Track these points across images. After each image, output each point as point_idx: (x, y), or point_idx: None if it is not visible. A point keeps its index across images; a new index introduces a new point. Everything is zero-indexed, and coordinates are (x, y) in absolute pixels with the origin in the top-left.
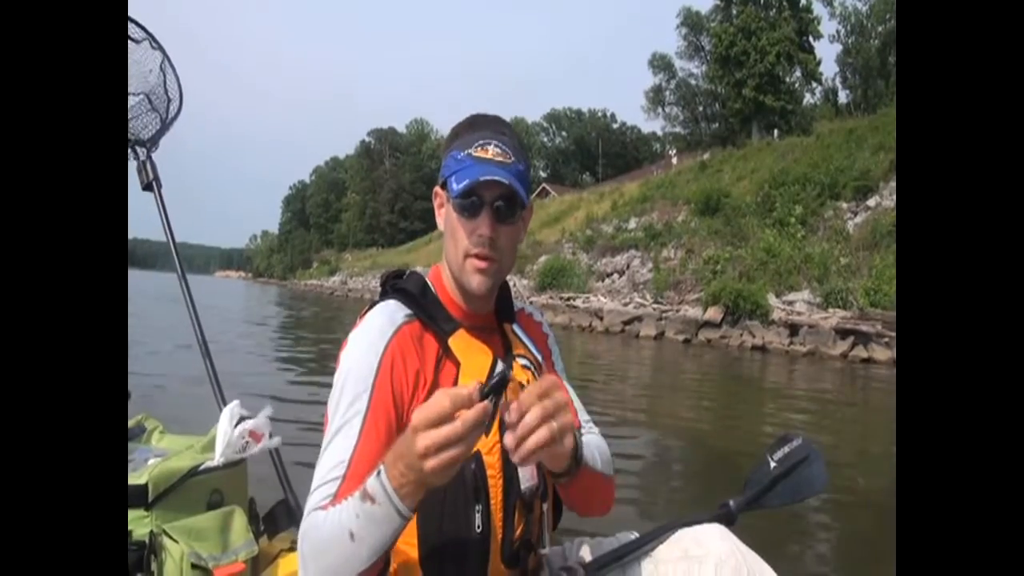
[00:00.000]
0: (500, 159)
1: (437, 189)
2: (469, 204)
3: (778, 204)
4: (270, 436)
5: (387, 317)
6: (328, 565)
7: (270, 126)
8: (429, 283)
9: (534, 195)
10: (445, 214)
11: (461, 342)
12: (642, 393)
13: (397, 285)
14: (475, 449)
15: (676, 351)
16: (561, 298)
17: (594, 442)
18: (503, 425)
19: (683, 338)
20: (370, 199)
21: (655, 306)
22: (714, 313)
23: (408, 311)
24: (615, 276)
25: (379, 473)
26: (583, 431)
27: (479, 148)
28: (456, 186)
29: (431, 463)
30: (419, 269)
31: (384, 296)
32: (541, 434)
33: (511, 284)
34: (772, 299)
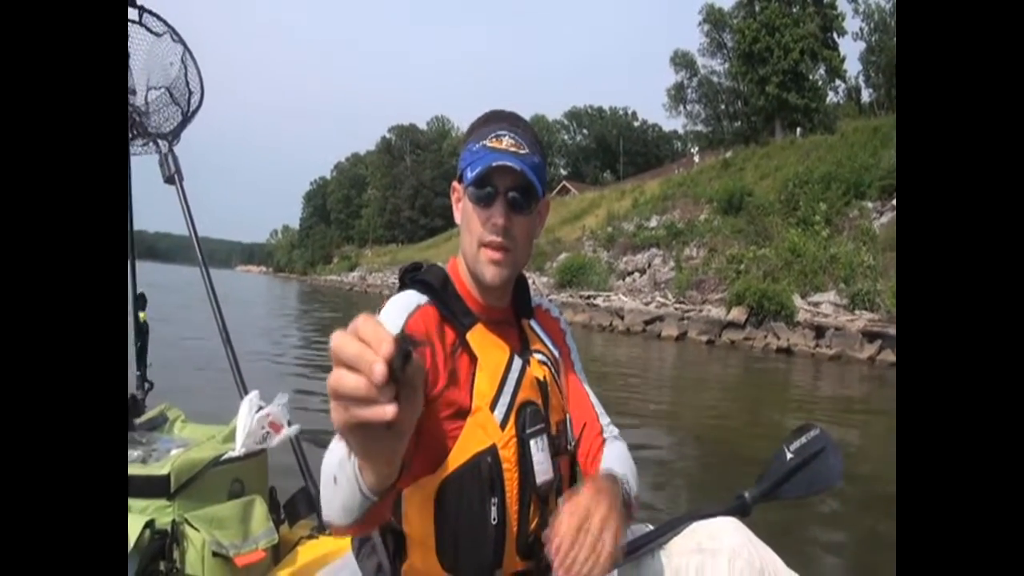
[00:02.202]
0: (514, 149)
1: (455, 184)
2: (484, 194)
3: (802, 203)
4: (288, 424)
5: (408, 298)
6: (326, 497)
7: (292, 122)
8: (449, 276)
9: (554, 192)
10: (462, 207)
11: (479, 337)
12: (663, 396)
13: (416, 277)
14: (491, 443)
15: (699, 352)
16: (581, 296)
17: (622, 464)
18: (519, 419)
19: (706, 339)
20: (390, 195)
21: (677, 306)
22: (738, 314)
23: (429, 298)
24: (636, 275)
25: None
26: (604, 434)
27: (493, 139)
28: (470, 175)
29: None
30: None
31: (403, 288)
32: (591, 562)
33: (530, 281)
34: (797, 300)
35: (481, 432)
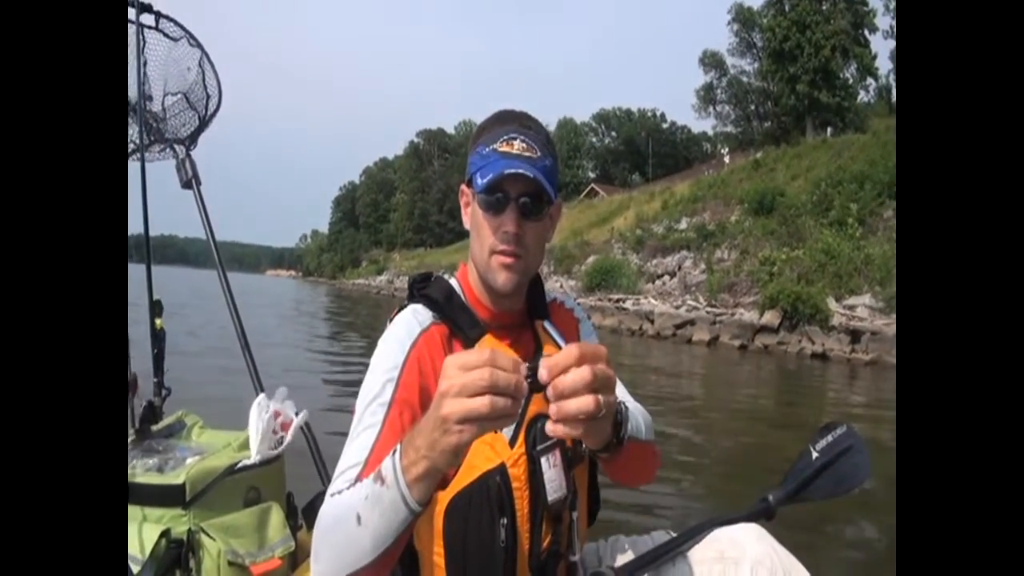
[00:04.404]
0: (527, 154)
1: (463, 187)
2: (494, 200)
3: (836, 203)
4: (296, 414)
5: (415, 318)
6: (334, 548)
7: (322, 126)
8: (456, 285)
9: (582, 195)
10: (471, 212)
11: (488, 347)
12: (693, 402)
13: (423, 291)
14: (499, 462)
15: (731, 358)
16: (610, 300)
17: (633, 407)
18: (529, 435)
19: (739, 344)
20: (419, 199)
21: (709, 309)
22: (771, 317)
23: (435, 314)
24: (666, 277)
25: (394, 452)
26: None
27: (504, 143)
28: (480, 181)
29: (448, 408)
30: (444, 275)
31: (411, 300)
32: (586, 402)
33: (558, 285)
34: (832, 303)
35: (489, 450)
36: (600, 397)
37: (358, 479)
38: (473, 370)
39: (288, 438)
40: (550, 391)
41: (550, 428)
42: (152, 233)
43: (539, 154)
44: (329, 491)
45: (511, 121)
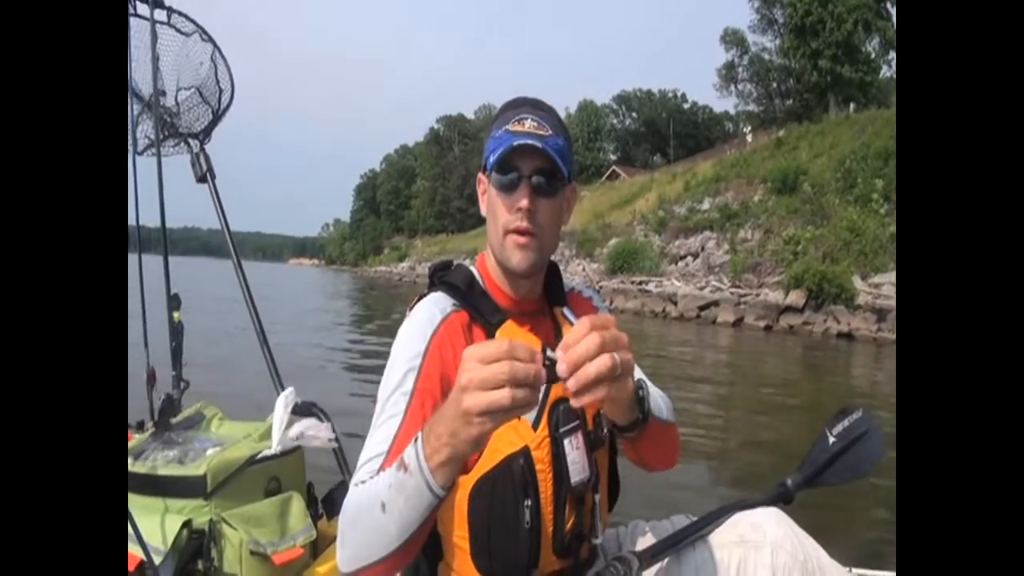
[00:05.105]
0: (538, 131)
1: (480, 175)
2: (507, 180)
3: (860, 180)
4: (332, 432)
5: (435, 306)
6: (359, 537)
7: (341, 115)
8: (476, 273)
9: (604, 177)
10: (487, 197)
11: (508, 333)
12: (718, 385)
13: (444, 278)
14: (523, 445)
15: (756, 339)
16: (632, 282)
17: (654, 390)
18: (552, 418)
19: (764, 324)
20: (440, 185)
21: (733, 290)
22: (796, 297)
23: (455, 301)
24: (689, 259)
25: (416, 439)
26: None
27: (516, 122)
28: (493, 159)
29: (469, 401)
30: (464, 262)
31: (432, 288)
32: (602, 362)
33: (580, 268)
34: (857, 282)
35: (513, 433)
36: (615, 355)
37: (381, 469)
38: (492, 363)
39: (314, 442)
40: (563, 364)
41: (574, 400)
42: (174, 225)
43: (550, 132)
44: (353, 481)
45: (522, 105)
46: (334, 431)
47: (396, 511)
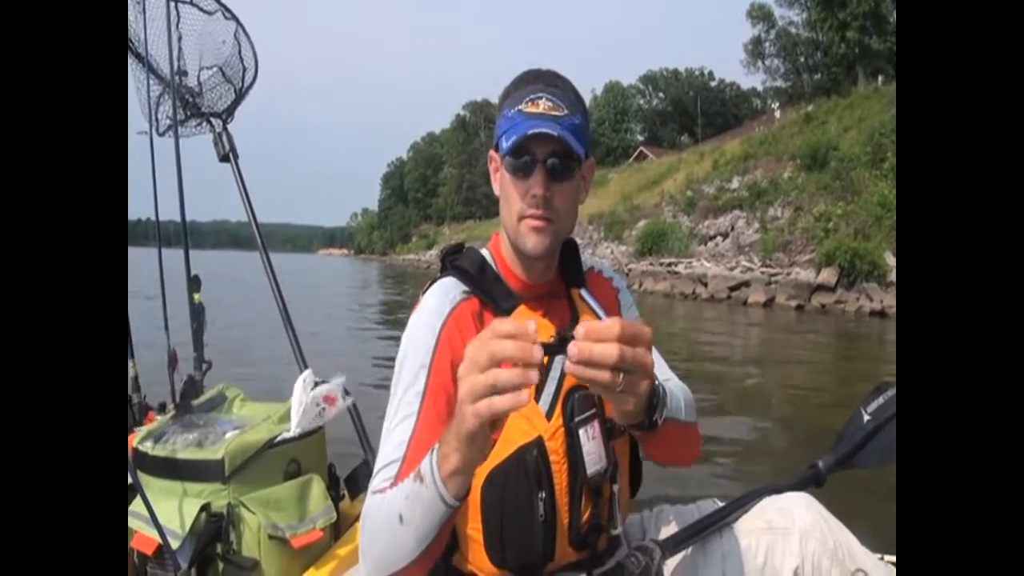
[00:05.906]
0: (552, 112)
1: (492, 153)
2: (521, 164)
3: (890, 153)
4: (345, 395)
5: (444, 295)
6: (380, 549)
7: (369, 103)
8: (488, 255)
9: (631, 159)
10: (500, 178)
11: (522, 319)
12: (748, 367)
13: (455, 262)
14: (536, 435)
15: (788, 319)
16: (662, 264)
17: (675, 387)
18: (566, 407)
19: (795, 304)
20: (466, 172)
21: (763, 270)
22: (828, 275)
23: (466, 287)
24: (719, 239)
25: (432, 452)
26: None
27: (529, 103)
28: (505, 143)
29: (460, 392)
30: (477, 245)
31: (443, 273)
32: (602, 376)
33: (609, 252)
34: (890, 258)
35: (526, 423)
36: (620, 378)
37: (398, 475)
38: (480, 346)
39: (331, 415)
40: (575, 349)
41: (568, 366)
42: (204, 219)
43: (566, 112)
44: (371, 488)
45: (536, 80)
46: (352, 402)
47: (413, 523)
